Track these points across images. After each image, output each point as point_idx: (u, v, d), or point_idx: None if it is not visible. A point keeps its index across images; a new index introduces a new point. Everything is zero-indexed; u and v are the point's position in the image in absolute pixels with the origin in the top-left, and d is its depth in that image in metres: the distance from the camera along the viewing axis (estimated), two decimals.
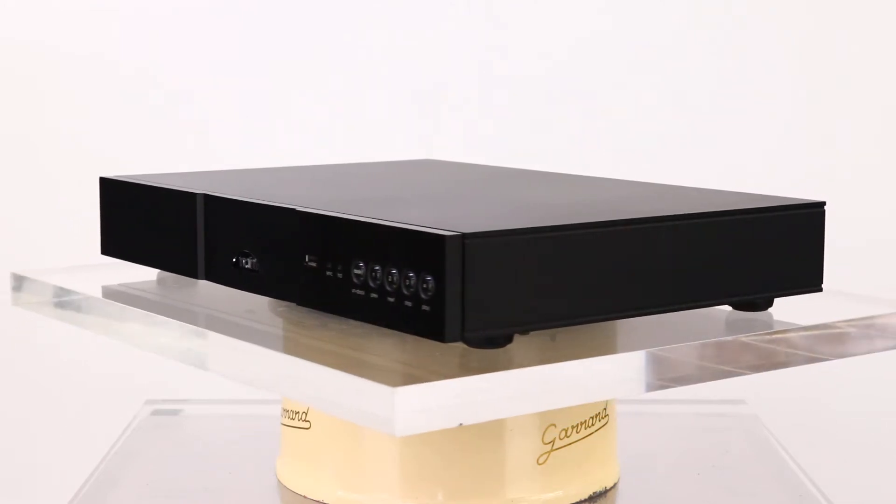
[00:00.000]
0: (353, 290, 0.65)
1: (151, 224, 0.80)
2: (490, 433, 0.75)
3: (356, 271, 0.64)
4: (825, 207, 0.73)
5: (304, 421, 0.78)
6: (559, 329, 0.70)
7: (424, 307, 0.61)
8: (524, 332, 0.64)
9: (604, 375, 0.64)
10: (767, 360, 0.70)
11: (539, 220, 0.65)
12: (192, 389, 1.12)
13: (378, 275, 0.63)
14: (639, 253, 0.66)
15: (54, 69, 1.27)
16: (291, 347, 0.69)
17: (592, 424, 0.78)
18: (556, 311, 0.64)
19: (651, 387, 0.66)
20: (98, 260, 0.85)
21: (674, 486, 0.84)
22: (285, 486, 0.81)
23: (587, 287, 0.65)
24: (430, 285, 0.60)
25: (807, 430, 1.24)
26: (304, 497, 0.79)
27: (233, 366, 0.69)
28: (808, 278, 0.73)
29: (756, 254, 0.70)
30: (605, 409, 0.79)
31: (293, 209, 0.69)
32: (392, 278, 0.62)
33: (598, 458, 0.79)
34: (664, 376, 0.67)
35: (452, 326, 0.60)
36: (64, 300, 0.83)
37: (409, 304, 0.62)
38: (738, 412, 1.00)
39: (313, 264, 0.67)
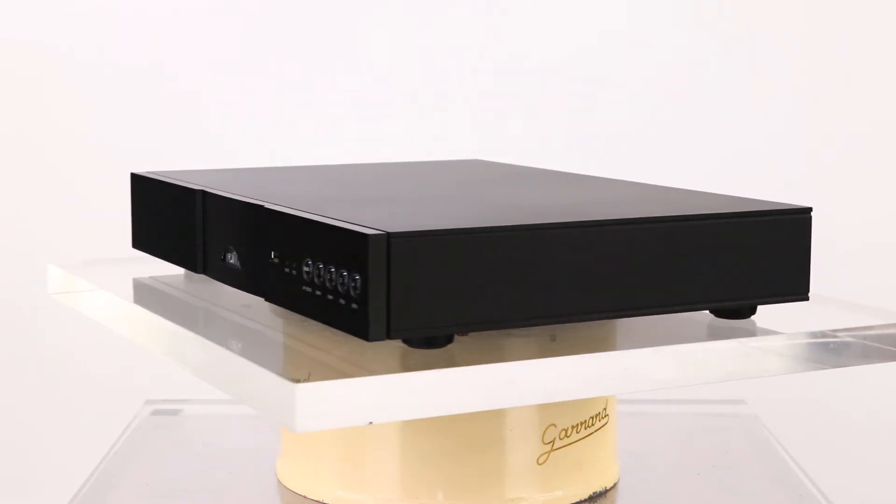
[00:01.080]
0: (303, 287, 0.65)
1: (165, 219, 0.81)
2: (490, 433, 0.75)
3: (305, 268, 0.65)
4: (811, 214, 0.71)
5: None
6: (559, 329, 0.70)
7: (353, 305, 0.61)
8: (460, 333, 0.64)
9: (509, 382, 0.63)
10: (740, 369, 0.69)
11: (483, 220, 0.65)
12: (193, 389, 1.12)
13: (321, 272, 0.64)
14: (595, 256, 0.65)
15: (55, 68, 1.27)
16: (236, 337, 0.71)
17: (592, 424, 0.78)
18: (492, 313, 0.63)
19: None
20: (129, 254, 0.87)
21: (674, 486, 0.84)
22: (285, 486, 0.81)
23: (529, 289, 0.64)
24: (357, 283, 0.61)
25: (807, 430, 1.24)
26: (304, 497, 0.79)
27: (176, 349, 0.71)
28: (794, 286, 0.70)
29: (735, 260, 0.68)
30: (605, 409, 0.79)
31: (261, 205, 0.70)
32: (330, 276, 0.63)
33: (598, 458, 0.79)
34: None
35: (377, 325, 0.60)
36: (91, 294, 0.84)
37: (342, 301, 0.62)
38: (738, 412, 1.00)
39: (276, 261, 0.67)
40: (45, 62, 1.27)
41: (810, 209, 0.70)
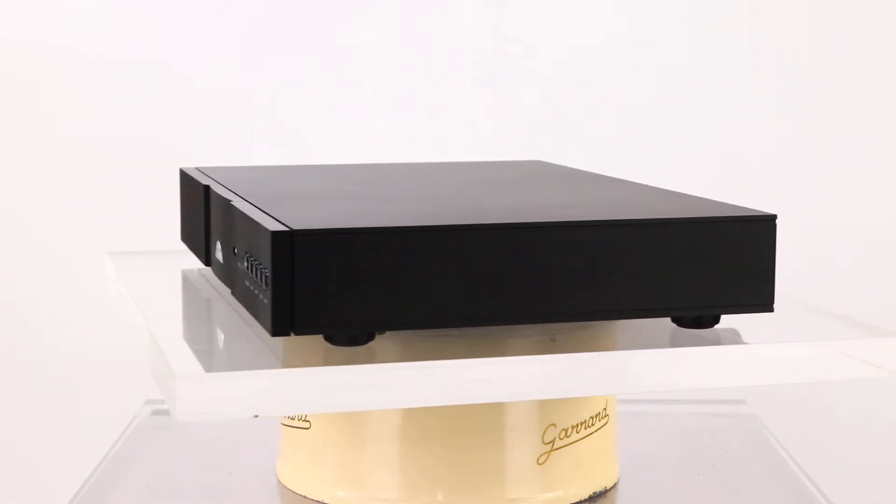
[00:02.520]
0: (245, 281, 0.66)
1: (192, 214, 0.82)
2: (490, 433, 0.75)
3: (244, 263, 0.67)
4: (776, 221, 0.68)
5: (304, 421, 0.78)
6: (558, 329, 0.70)
7: (265, 300, 0.62)
8: (378, 331, 0.64)
9: (407, 384, 0.63)
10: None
11: (404, 220, 0.65)
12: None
13: (251, 267, 0.65)
14: (521, 259, 0.64)
15: (55, 67, 1.27)
16: (177, 330, 0.73)
17: (592, 424, 0.78)
18: (405, 313, 0.63)
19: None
20: (179, 246, 0.88)
21: (674, 486, 0.84)
22: (285, 486, 0.81)
23: (447, 291, 0.63)
24: (267, 279, 0.62)
25: (807, 430, 1.24)
26: (304, 497, 0.79)
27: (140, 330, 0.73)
28: (757, 296, 0.68)
29: (692, 267, 0.66)
30: (605, 408, 0.79)
31: (229, 201, 0.71)
32: (255, 271, 0.64)
33: (598, 458, 0.79)
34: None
35: (281, 321, 0.61)
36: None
37: (260, 296, 0.63)
38: (738, 412, 1.00)
39: (234, 254, 0.70)
40: (46, 61, 1.27)
41: (775, 216, 0.68)
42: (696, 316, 0.68)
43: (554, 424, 0.76)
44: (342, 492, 0.77)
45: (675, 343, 0.68)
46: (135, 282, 0.84)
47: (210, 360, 0.66)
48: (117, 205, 1.27)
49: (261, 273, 0.63)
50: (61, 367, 1.28)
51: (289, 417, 0.80)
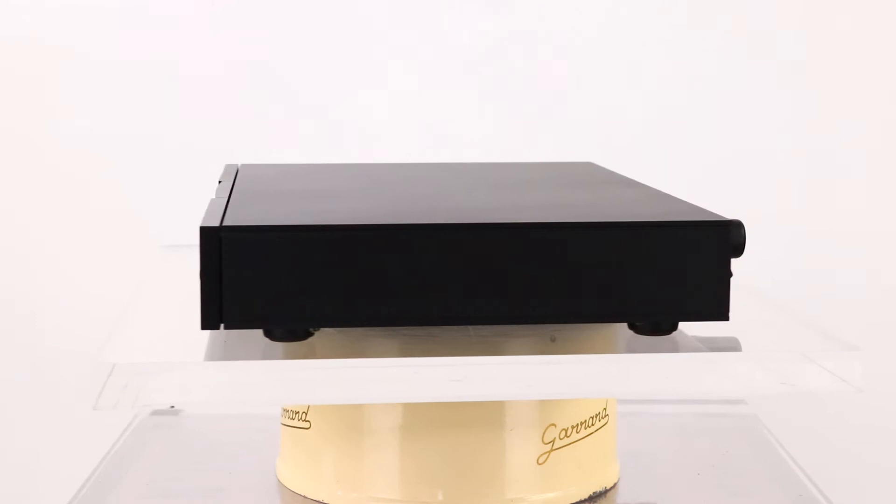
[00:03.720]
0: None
1: None
2: (490, 433, 0.75)
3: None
4: (730, 228, 0.66)
5: (304, 421, 0.78)
6: (558, 330, 0.70)
7: (202, 294, 0.64)
8: (309, 327, 0.65)
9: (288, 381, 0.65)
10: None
11: (342, 219, 0.66)
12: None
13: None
14: (458, 259, 0.64)
15: (56, 67, 1.27)
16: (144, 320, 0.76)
17: (592, 424, 0.78)
18: (336, 310, 0.64)
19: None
20: None
21: (674, 486, 0.84)
22: (285, 486, 0.81)
23: (379, 289, 0.64)
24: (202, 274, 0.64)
25: (807, 430, 1.24)
26: (304, 497, 0.79)
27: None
28: (711, 305, 0.66)
29: (639, 272, 0.65)
30: (605, 409, 0.79)
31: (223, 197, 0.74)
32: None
33: (598, 458, 0.79)
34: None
35: (211, 315, 0.63)
36: None
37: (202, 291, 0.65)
38: (738, 412, 1.00)
39: None
40: (47, 59, 1.27)
41: (729, 222, 0.66)
42: (655, 322, 0.66)
43: (554, 424, 0.76)
44: (342, 492, 0.77)
45: (651, 349, 0.67)
46: (154, 280, 0.87)
47: (133, 350, 0.68)
48: (117, 205, 1.27)
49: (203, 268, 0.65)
50: (61, 366, 1.28)
51: (289, 417, 0.80)
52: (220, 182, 0.83)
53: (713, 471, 0.88)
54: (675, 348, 0.67)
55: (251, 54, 1.26)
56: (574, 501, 0.77)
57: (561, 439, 0.76)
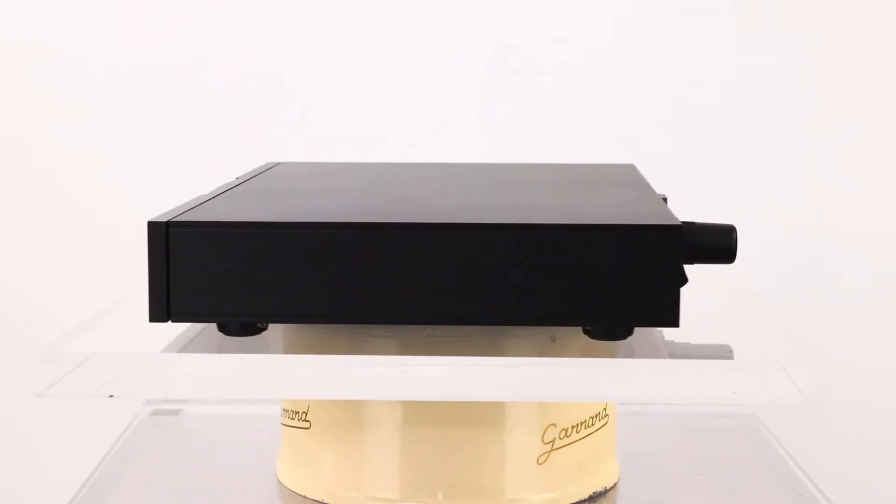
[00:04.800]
0: None
1: None
2: (490, 433, 0.75)
3: None
4: (681, 232, 0.64)
5: (304, 421, 0.78)
6: (558, 329, 0.70)
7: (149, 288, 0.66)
8: (255, 322, 0.66)
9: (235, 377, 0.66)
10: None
11: (289, 216, 0.67)
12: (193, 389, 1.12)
13: None
14: (411, 259, 0.64)
15: (52, 66, 1.27)
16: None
17: (592, 424, 0.78)
18: (282, 307, 0.65)
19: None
20: None
21: (674, 486, 0.84)
22: (285, 486, 0.81)
23: (327, 287, 0.64)
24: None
25: (807, 430, 1.24)
26: (304, 497, 0.79)
27: None
28: (660, 311, 0.64)
29: (587, 276, 0.64)
30: (605, 409, 0.79)
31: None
32: None
33: (598, 458, 0.79)
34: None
35: (157, 308, 0.65)
36: None
37: None
38: (738, 412, 1.00)
39: None
40: (47, 59, 1.27)
41: (679, 226, 0.64)
42: (609, 327, 0.65)
43: (554, 424, 0.76)
44: (342, 492, 0.77)
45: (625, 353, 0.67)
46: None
47: (84, 339, 0.71)
48: (117, 205, 1.27)
49: None
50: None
51: (289, 417, 0.80)
52: (236, 179, 0.85)
53: (713, 471, 0.88)
54: (629, 354, 0.66)
55: (254, 56, 1.27)
56: (574, 501, 0.77)
57: (561, 439, 0.76)
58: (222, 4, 1.26)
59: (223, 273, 0.65)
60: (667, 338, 0.72)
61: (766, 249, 1.24)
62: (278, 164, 0.94)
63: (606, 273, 0.64)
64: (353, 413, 0.76)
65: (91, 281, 1.26)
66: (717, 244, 0.72)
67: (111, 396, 0.66)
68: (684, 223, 0.72)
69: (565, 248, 0.64)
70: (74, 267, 1.28)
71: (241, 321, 0.66)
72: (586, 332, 0.66)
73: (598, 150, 1.26)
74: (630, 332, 0.66)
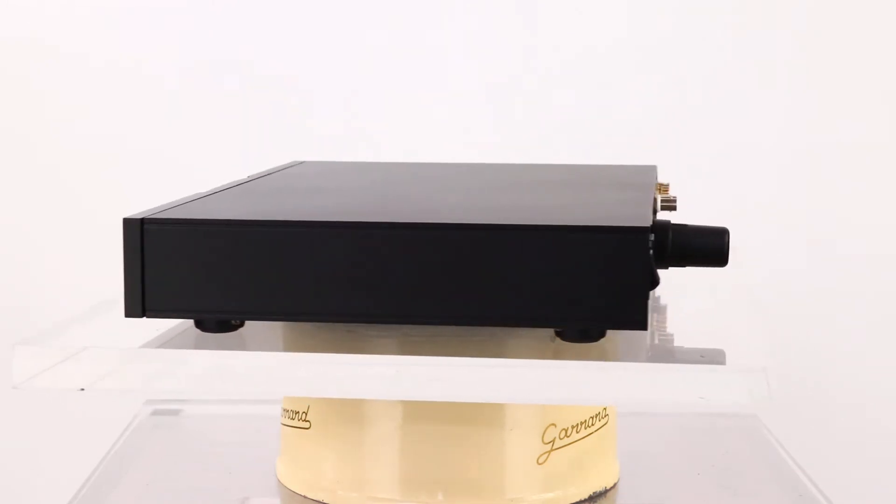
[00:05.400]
0: None
1: None
2: (490, 432, 0.75)
3: None
4: (649, 234, 0.63)
5: (304, 421, 0.78)
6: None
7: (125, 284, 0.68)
8: (230, 319, 0.67)
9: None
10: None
11: (261, 214, 0.68)
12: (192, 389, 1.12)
13: None
14: (368, 258, 0.65)
15: (49, 65, 1.27)
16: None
17: (592, 424, 0.78)
18: (255, 304, 0.66)
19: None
20: None
21: (674, 486, 0.84)
22: (285, 486, 0.81)
23: (300, 284, 0.65)
24: None
25: (807, 430, 1.24)
26: (304, 497, 0.79)
27: None
28: (627, 314, 0.63)
29: (552, 277, 0.63)
30: (604, 409, 0.79)
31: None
32: None
33: (598, 458, 0.79)
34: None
35: (133, 304, 0.66)
36: None
37: None
38: (739, 412, 1.00)
39: None
40: (47, 59, 1.27)
41: (646, 228, 0.63)
42: (582, 329, 0.65)
43: (554, 424, 0.76)
44: (342, 492, 0.77)
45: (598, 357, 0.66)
46: None
47: (61, 334, 0.72)
48: (117, 205, 1.27)
49: None
50: None
51: (289, 417, 0.80)
52: (247, 176, 0.86)
53: (713, 471, 0.88)
54: (601, 356, 0.65)
55: (254, 56, 1.27)
56: (574, 501, 0.77)
57: (561, 439, 0.76)
58: (222, 4, 1.26)
59: (197, 270, 0.66)
60: (657, 339, 0.72)
61: (766, 250, 1.24)
62: (302, 162, 0.95)
63: (572, 275, 0.63)
64: (353, 413, 0.76)
65: (91, 281, 1.26)
66: (708, 247, 0.71)
67: (82, 390, 0.67)
68: (675, 225, 0.72)
69: (530, 248, 0.63)
70: (74, 267, 1.28)
71: (215, 318, 0.67)
72: (558, 334, 0.65)
73: (625, 150, 1.26)
74: (602, 335, 0.65)
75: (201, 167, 1.25)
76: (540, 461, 0.76)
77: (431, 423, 0.74)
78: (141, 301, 0.66)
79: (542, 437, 0.76)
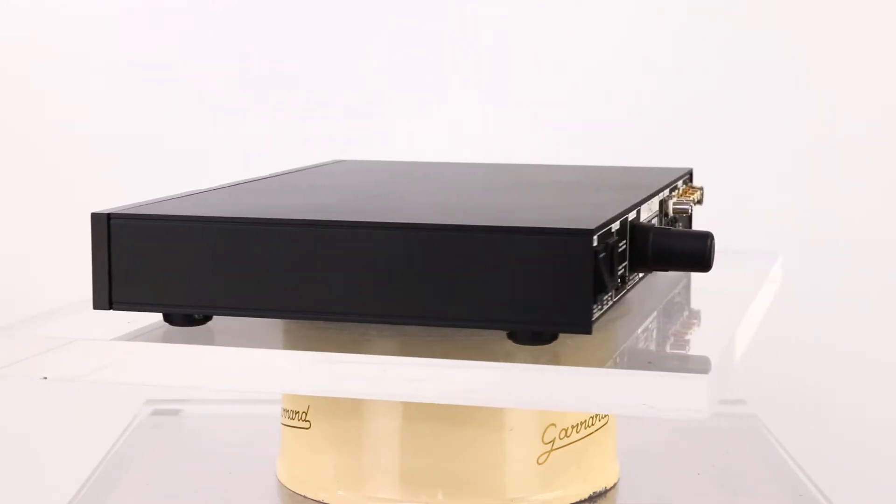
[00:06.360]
0: None
1: None
2: (490, 433, 0.75)
3: None
4: (592, 237, 0.62)
5: (304, 421, 0.78)
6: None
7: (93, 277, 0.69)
8: (195, 314, 0.69)
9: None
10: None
11: (230, 211, 0.69)
12: (192, 389, 1.12)
13: None
14: (328, 257, 0.65)
15: (49, 65, 1.27)
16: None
17: (592, 424, 0.78)
18: (222, 299, 0.67)
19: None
20: None
21: (674, 486, 0.85)
22: (285, 486, 0.81)
23: (262, 281, 0.66)
24: None
25: (807, 430, 1.25)
26: (304, 497, 0.79)
27: None
28: (571, 316, 0.62)
29: (502, 279, 0.63)
30: None
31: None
32: None
33: (598, 458, 0.79)
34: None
35: (100, 296, 0.68)
36: None
37: None
38: (738, 412, 1.00)
39: None
40: (47, 59, 1.27)
41: (591, 231, 0.62)
42: (534, 331, 0.63)
43: (554, 424, 0.76)
44: (342, 492, 0.77)
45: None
46: None
47: (38, 325, 0.75)
48: (117, 205, 1.27)
49: None
50: None
51: (289, 417, 0.80)
52: (268, 174, 0.87)
53: (713, 471, 0.88)
54: (553, 360, 0.65)
55: (254, 56, 1.27)
56: (574, 501, 0.77)
57: (561, 439, 0.76)
58: (223, 4, 1.26)
59: (162, 265, 0.67)
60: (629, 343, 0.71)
61: (767, 249, 1.24)
62: (341, 161, 0.96)
63: (518, 276, 0.62)
64: (353, 413, 0.76)
65: (89, 280, 1.26)
66: (689, 251, 0.70)
67: (45, 378, 0.68)
68: (657, 229, 0.71)
69: (475, 249, 0.63)
70: (74, 266, 1.28)
71: (180, 312, 0.69)
72: (510, 336, 0.65)
73: (625, 151, 1.26)
74: (555, 337, 0.64)
75: (200, 167, 1.25)
76: (540, 461, 0.76)
77: (431, 422, 0.74)
78: (108, 294, 0.68)
79: (542, 437, 0.76)
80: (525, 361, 0.63)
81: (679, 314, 0.77)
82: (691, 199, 0.83)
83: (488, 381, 0.63)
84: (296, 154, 1.25)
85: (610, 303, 0.67)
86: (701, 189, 0.86)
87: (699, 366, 0.64)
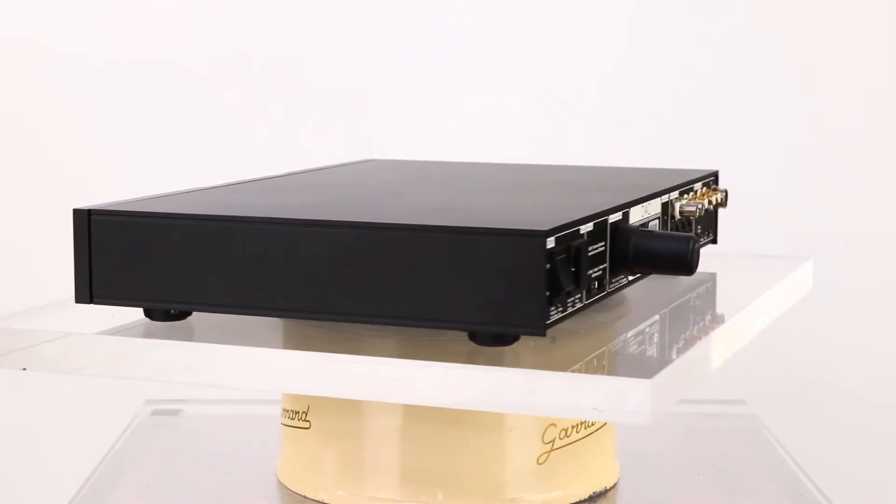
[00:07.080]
0: None
1: None
2: (490, 433, 0.75)
3: None
4: (546, 239, 0.61)
5: (304, 421, 0.78)
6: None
7: (75, 271, 0.70)
8: (174, 309, 0.70)
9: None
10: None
11: (209, 209, 0.70)
12: (192, 389, 1.12)
13: None
14: (294, 255, 0.65)
15: (52, 66, 1.27)
16: None
17: (592, 424, 0.78)
18: (200, 295, 0.67)
19: None
20: None
21: (674, 486, 0.85)
22: (285, 486, 0.81)
23: (230, 278, 0.67)
24: None
25: (807, 430, 1.25)
26: (304, 497, 0.79)
27: None
28: (526, 318, 0.62)
29: (457, 279, 0.62)
30: None
31: None
32: None
33: (598, 458, 0.79)
34: None
35: (81, 291, 0.69)
36: None
37: None
38: (738, 412, 1.00)
39: None
40: (47, 59, 1.27)
41: (545, 233, 0.61)
42: (496, 333, 0.63)
43: (554, 424, 0.76)
44: (342, 492, 0.77)
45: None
46: None
47: (20, 319, 0.75)
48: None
49: None
50: None
51: (289, 417, 0.80)
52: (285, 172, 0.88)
53: (713, 471, 0.88)
54: (514, 362, 0.64)
55: (254, 56, 1.27)
56: (574, 501, 0.77)
57: (561, 439, 0.76)
58: (222, 4, 1.26)
59: (142, 260, 0.68)
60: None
61: (767, 249, 1.24)
62: (371, 160, 0.97)
63: (474, 278, 0.62)
64: (353, 413, 0.76)
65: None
66: (670, 254, 0.70)
67: (24, 369, 0.70)
68: (640, 231, 0.70)
69: (433, 249, 0.63)
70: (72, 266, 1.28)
71: (160, 307, 0.69)
72: (471, 337, 0.64)
73: (625, 151, 1.26)
74: (516, 338, 0.63)
75: (201, 167, 1.25)
76: (540, 461, 0.76)
77: (431, 423, 0.74)
78: (89, 288, 0.69)
79: (542, 437, 0.76)
80: (476, 363, 0.63)
81: (675, 318, 0.76)
82: (704, 201, 0.81)
83: (434, 382, 0.63)
84: (296, 154, 1.25)
85: (579, 305, 0.65)
86: (724, 192, 0.85)
87: (644, 371, 0.62)
